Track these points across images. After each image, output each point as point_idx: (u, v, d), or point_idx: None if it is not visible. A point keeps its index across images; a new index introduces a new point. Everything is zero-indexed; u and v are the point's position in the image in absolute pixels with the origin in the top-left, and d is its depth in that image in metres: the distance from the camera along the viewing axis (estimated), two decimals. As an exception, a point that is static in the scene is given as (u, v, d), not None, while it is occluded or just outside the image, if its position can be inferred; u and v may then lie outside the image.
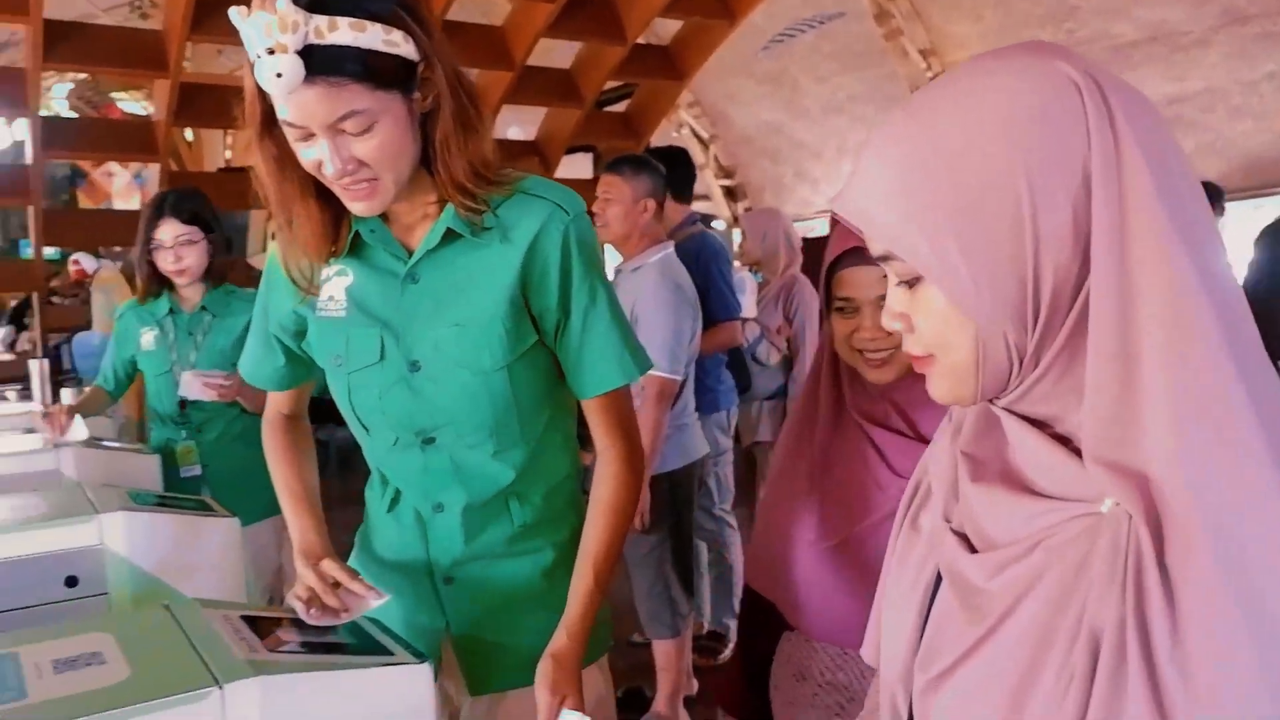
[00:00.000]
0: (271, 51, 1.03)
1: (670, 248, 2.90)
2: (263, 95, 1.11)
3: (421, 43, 1.12)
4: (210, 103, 6.18)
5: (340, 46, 1.05)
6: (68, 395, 3.58)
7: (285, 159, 1.17)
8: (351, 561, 1.45)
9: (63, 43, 5.37)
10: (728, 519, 3.52)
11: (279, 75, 1.04)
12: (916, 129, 0.65)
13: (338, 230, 1.26)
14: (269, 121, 1.14)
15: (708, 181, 12.63)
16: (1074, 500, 0.64)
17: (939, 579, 0.75)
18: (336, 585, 1.26)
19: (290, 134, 1.12)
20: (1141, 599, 0.58)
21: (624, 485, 1.30)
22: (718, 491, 3.45)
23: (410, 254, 1.25)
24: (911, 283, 0.68)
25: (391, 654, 1.12)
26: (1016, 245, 0.62)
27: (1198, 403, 0.59)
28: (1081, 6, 7.94)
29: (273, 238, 1.34)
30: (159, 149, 5.94)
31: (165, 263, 2.60)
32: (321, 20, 1.04)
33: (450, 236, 1.22)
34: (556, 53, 7.54)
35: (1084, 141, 0.62)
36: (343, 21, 1.05)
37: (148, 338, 2.69)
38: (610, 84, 7.08)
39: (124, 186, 16.32)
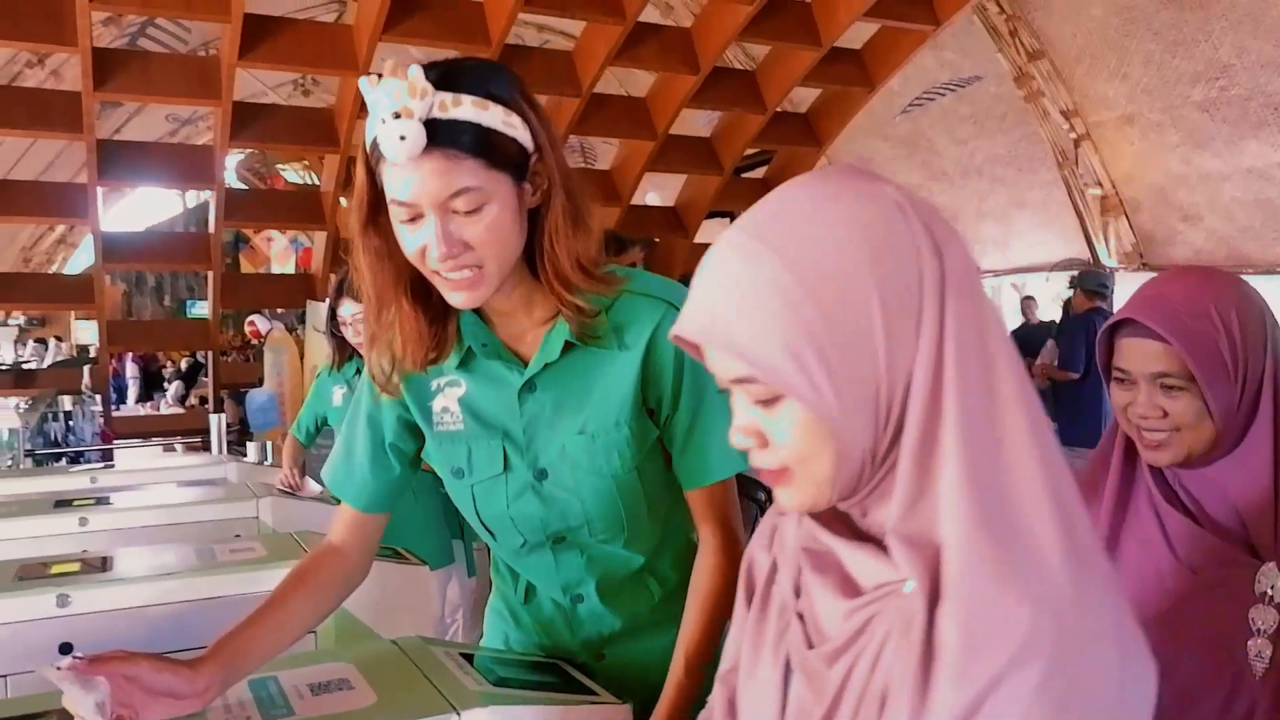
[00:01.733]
0: (398, 115, 1.04)
1: None
2: (371, 183, 1.13)
3: (537, 134, 1.13)
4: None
5: (461, 121, 1.06)
6: (252, 449, 3.88)
7: (386, 253, 1.16)
8: (490, 635, 1.49)
9: (247, 122, 5.87)
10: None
11: (402, 138, 1.04)
12: (776, 256, 0.68)
13: (435, 336, 1.23)
14: (375, 211, 1.15)
15: (841, 244, 12.63)
16: (885, 587, 0.69)
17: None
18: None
19: (399, 216, 1.11)
20: (915, 666, 0.64)
21: (722, 577, 1.25)
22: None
23: (524, 363, 1.24)
24: (768, 401, 0.70)
25: (595, 694, 1.23)
26: (872, 361, 0.67)
27: (968, 499, 0.65)
28: (1236, 64, 7.73)
29: None
30: (327, 218, 6.38)
31: (348, 336, 2.87)
32: (447, 96, 1.06)
33: (566, 346, 1.22)
34: (694, 121, 7.77)
35: (916, 262, 0.68)
36: (466, 99, 1.07)
37: (337, 395, 2.97)
38: (749, 150, 7.25)
39: (281, 251, 17.42)
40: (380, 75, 1.05)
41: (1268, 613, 1.14)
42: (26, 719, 1.13)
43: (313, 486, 2.87)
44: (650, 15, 7.68)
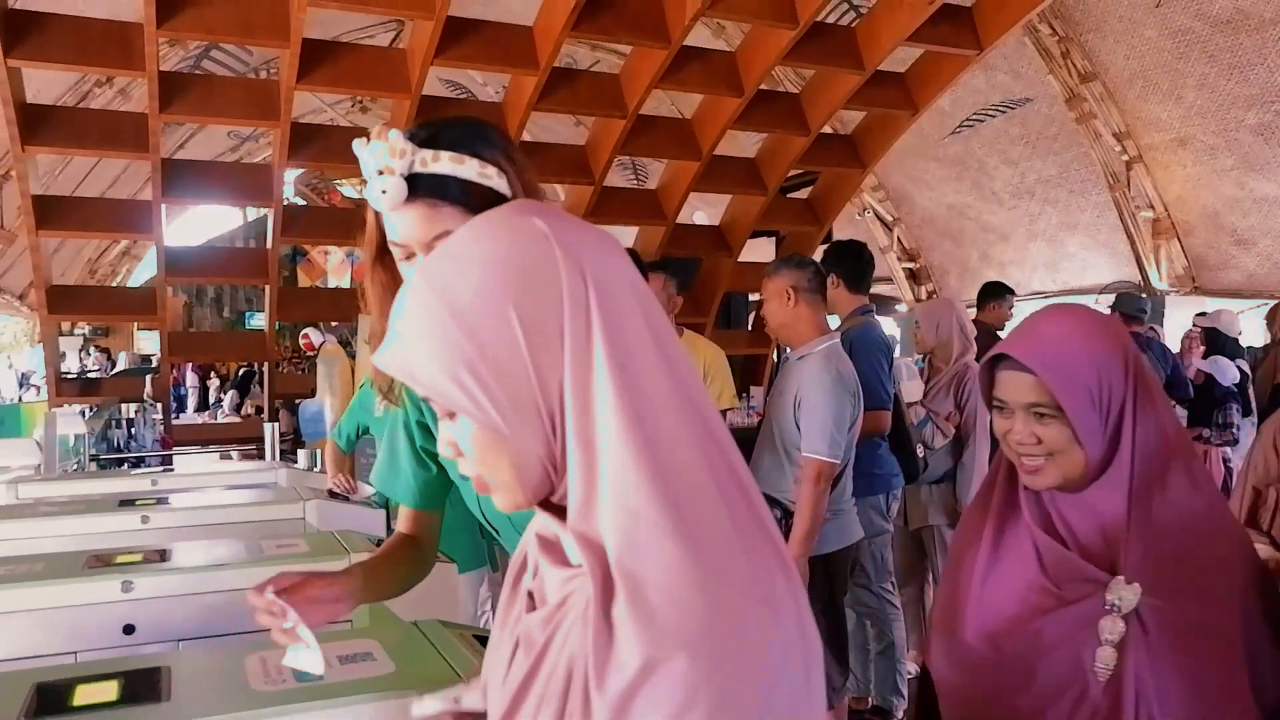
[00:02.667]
0: (381, 173, 1.22)
1: (835, 339, 3.14)
2: (378, 227, 1.31)
3: (513, 181, 1.29)
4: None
5: (440, 175, 1.24)
6: (303, 456, 4.10)
7: (393, 286, 1.33)
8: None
9: (304, 142, 6.17)
10: (889, 597, 3.64)
11: (384, 192, 1.22)
12: (431, 292, 0.78)
13: None
14: (382, 251, 1.33)
15: (890, 264, 12.73)
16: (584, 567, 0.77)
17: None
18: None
19: (396, 255, 1.30)
20: (591, 641, 0.72)
21: None
22: (875, 571, 3.60)
23: None
24: (450, 416, 0.79)
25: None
26: (524, 378, 0.76)
27: (623, 493, 0.73)
28: (1292, 87, 7.72)
29: None
30: (378, 235, 6.64)
31: None
32: (426, 153, 1.24)
33: None
34: (746, 141, 7.93)
35: (559, 287, 0.76)
36: (444, 155, 1.24)
37: (380, 406, 3.15)
38: (793, 171, 7.39)
39: (338, 264, 17.91)
40: (368, 138, 1.23)
41: (1115, 623, 1.24)
42: (95, 679, 1.32)
43: (364, 489, 3.09)
44: (701, 35, 7.88)
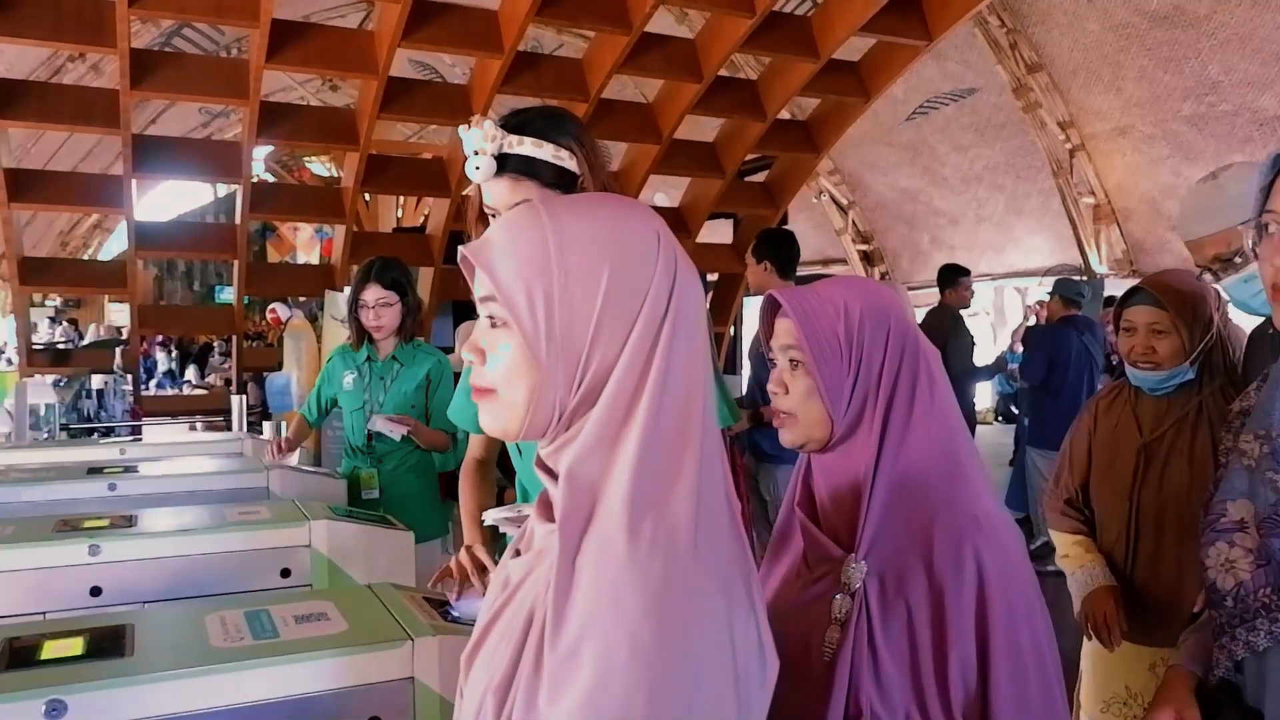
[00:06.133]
0: (476, 153, 1.53)
1: None
2: (479, 193, 1.61)
3: (581, 162, 1.60)
4: (391, 172, 6.89)
5: (521, 155, 1.55)
6: (268, 428, 4.12)
7: None
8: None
9: (274, 121, 6.12)
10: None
11: (477, 168, 1.53)
12: (546, 217, 0.84)
13: None
14: (482, 215, 1.62)
15: (845, 246, 12.84)
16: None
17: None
18: (483, 571, 1.58)
19: (490, 215, 1.59)
20: (553, 586, 0.76)
21: None
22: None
23: None
24: (498, 323, 0.84)
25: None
26: (584, 328, 0.81)
27: (649, 469, 0.78)
28: (1224, 81, 7.87)
29: None
30: (345, 212, 6.62)
31: (366, 319, 3.10)
32: (513, 138, 1.55)
33: None
34: (700, 126, 7.96)
35: (650, 278, 0.83)
36: (527, 140, 1.55)
37: (348, 379, 3.18)
38: (750, 155, 7.44)
39: (306, 240, 17.71)
40: (469, 124, 1.55)
41: (844, 601, 1.16)
42: (62, 635, 1.36)
43: (290, 458, 3.14)
44: (665, 22, 7.86)
